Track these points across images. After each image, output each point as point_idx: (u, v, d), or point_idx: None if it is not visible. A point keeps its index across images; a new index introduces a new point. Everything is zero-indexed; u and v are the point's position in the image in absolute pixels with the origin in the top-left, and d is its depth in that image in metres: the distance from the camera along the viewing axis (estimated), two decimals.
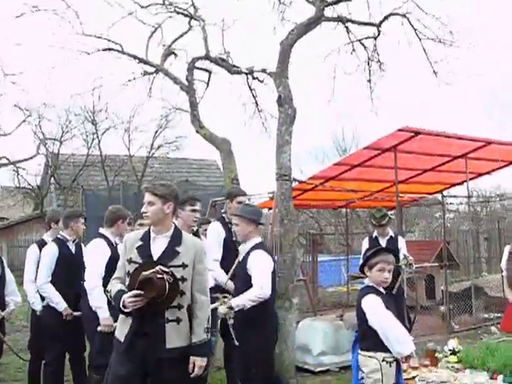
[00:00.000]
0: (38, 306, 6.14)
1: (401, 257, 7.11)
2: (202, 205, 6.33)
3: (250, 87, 9.83)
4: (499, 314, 9.52)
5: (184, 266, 3.75)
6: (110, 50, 9.05)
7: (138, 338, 3.68)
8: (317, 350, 7.16)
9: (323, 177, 10.33)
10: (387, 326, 4.07)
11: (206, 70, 9.65)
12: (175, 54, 9.64)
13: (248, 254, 4.90)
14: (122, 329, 3.78)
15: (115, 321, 4.27)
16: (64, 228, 6.17)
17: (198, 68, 9.38)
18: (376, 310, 4.13)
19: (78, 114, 24.13)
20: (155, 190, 3.87)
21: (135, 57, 9.18)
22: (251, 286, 4.69)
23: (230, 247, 5.78)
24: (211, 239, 5.88)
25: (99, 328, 5.17)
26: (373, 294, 4.21)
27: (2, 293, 6.11)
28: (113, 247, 5.39)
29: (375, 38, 9.15)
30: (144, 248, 3.80)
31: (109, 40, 8.97)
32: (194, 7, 9.15)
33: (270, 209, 8.90)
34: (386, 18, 8.84)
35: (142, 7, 8.75)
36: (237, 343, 4.64)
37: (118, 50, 9.12)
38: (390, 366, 4.10)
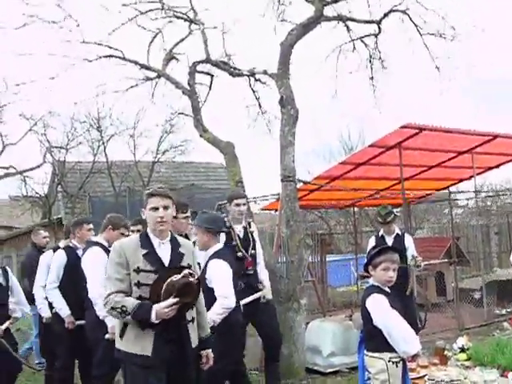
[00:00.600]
0: (44, 312, 6.21)
1: (409, 256, 7.05)
2: (210, 208, 6.32)
3: (252, 89, 9.83)
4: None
5: (189, 266, 3.76)
6: (111, 56, 9.05)
7: (165, 344, 3.61)
8: (326, 351, 7.12)
9: (329, 176, 10.29)
10: (392, 326, 4.03)
11: (208, 74, 9.63)
12: (176, 59, 9.62)
13: (206, 265, 4.88)
14: (138, 342, 3.59)
15: None
16: (72, 237, 6.29)
17: (199, 72, 9.37)
18: (381, 310, 4.09)
19: (83, 122, 24.20)
20: (168, 194, 3.83)
21: (136, 62, 9.17)
22: (214, 297, 4.67)
23: (230, 252, 5.76)
24: None
25: (107, 336, 5.16)
26: (377, 294, 4.18)
27: (6, 302, 6.11)
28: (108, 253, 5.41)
29: (376, 36, 9.13)
30: (152, 255, 3.69)
31: (110, 47, 8.98)
32: (194, 11, 9.15)
33: (277, 210, 8.88)
34: (386, 15, 8.81)
35: (142, 13, 8.76)
36: None
37: (119, 57, 9.11)
38: (397, 366, 4.06)
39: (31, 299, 6.47)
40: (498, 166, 12.02)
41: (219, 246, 5.05)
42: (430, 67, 9.44)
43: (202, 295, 3.92)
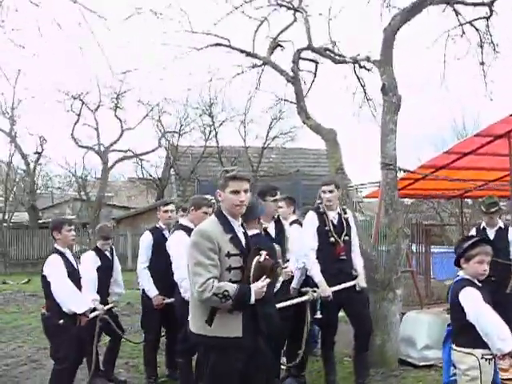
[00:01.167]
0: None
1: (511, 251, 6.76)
2: (313, 195, 6.39)
3: (357, 76, 9.72)
4: None
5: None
6: (218, 45, 9.31)
7: (252, 324, 3.73)
8: (421, 343, 6.96)
9: (433, 166, 9.99)
10: (487, 321, 3.92)
11: (313, 61, 9.65)
12: (282, 46, 9.71)
13: None
14: (228, 326, 3.67)
15: None
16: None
17: (303, 59, 9.41)
18: (475, 304, 3.99)
19: (196, 108, 25.09)
20: (249, 177, 3.91)
21: (242, 51, 9.37)
22: None
23: (323, 236, 5.84)
24: (306, 228, 5.96)
25: None
26: (471, 287, 4.08)
27: (109, 282, 6.57)
28: None
29: (487, 19, 8.67)
30: (236, 238, 3.77)
31: (217, 36, 9.24)
32: None
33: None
34: None
35: (246, 2, 8.93)
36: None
37: (225, 45, 9.36)
38: (489, 363, 3.98)
39: None
40: None
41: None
42: None
43: None
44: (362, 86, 9.95)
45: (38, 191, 28.29)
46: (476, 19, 8.63)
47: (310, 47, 8.80)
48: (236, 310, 3.64)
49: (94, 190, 27.38)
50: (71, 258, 5.67)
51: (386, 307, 7.01)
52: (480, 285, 4.15)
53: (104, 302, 6.27)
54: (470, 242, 4.22)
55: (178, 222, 6.28)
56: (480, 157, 9.75)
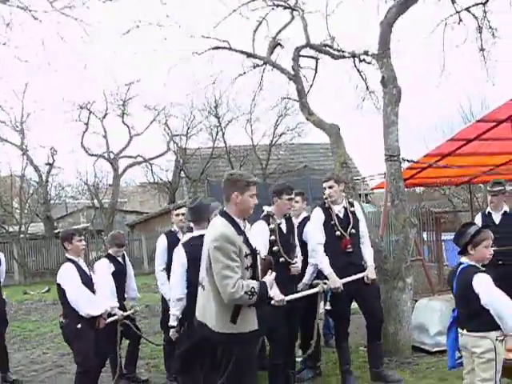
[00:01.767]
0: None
1: None
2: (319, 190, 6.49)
3: (358, 70, 9.80)
4: None
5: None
6: (218, 48, 9.45)
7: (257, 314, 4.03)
8: (434, 329, 7.06)
9: (439, 154, 10.03)
10: (502, 304, 4.09)
11: (312, 57, 9.74)
12: (281, 45, 9.81)
13: None
14: (247, 320, 3.95)
15: None
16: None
17: (303, 56, 9.50)
18: (489, 289, 4.15)
19: (202, 110, 25.23)
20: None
21: (242, 52, 9.49)
22: None
23: (329, 230, 5.96)
24: (313, 224, 6.08)
25: None
26: (482, 273, 4.23)
27: (123, 287, 6.71)
28: None
29: (484, 4, 8.71)
30: (247, 240, 4.04)
31: (216, 39, 9.38)
32: None
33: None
34: None
35: (243, 4, 9.05)
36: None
37: (226, 48, 9.48)
38: (502, 344, 4.15)
39: None
40: None
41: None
42: None
43: None
44: (364, 80, 10.03)
45: (52, 201, 28.53)
46: (473, 5, 8.68)
47: (308, 44, 8.91)
48: (258, 305, 3.92)
49: (107, 196, 27.62)
50: (84, 266, 5.85)
51: (397, 296, 7.13)
52: (484, 269, 4.29)
53: (121, 306, 6.44)
54: (475, 230, 4.34)
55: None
56: (485, 142, 9.79)
